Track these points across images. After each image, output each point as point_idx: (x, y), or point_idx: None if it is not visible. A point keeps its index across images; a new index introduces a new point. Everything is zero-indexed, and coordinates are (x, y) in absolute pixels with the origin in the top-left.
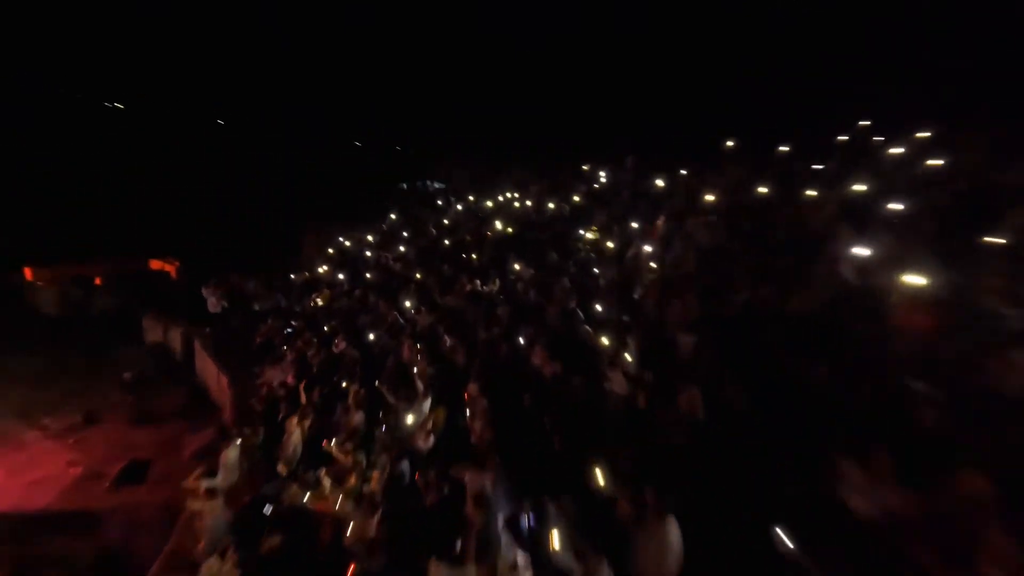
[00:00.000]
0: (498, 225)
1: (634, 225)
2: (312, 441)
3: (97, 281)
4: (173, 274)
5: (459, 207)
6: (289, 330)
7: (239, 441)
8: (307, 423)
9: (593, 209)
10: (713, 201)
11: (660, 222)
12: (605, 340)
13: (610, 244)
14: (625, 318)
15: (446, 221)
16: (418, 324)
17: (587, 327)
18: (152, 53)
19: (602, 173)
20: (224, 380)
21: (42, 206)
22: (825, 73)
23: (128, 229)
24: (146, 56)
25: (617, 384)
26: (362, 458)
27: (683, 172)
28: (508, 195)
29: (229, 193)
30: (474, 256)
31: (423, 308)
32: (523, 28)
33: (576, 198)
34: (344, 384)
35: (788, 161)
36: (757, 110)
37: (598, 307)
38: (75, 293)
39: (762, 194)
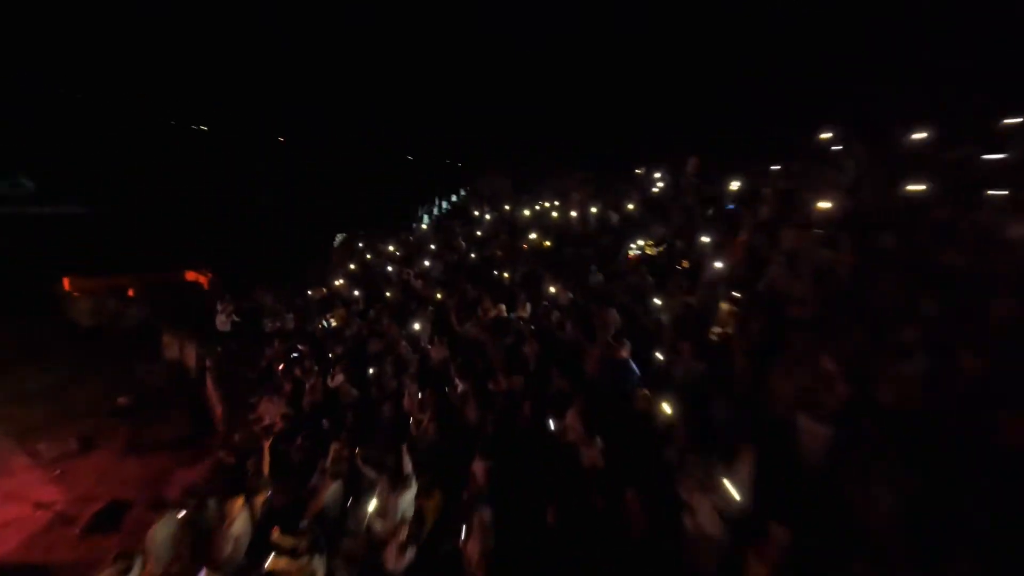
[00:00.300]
0: (533, 237)
1: (705, 239)
2: (263, 529)
3: (130, 293)
4: (205, 285)
5: (491, 217)
6: (295, 355)
7: (180, 513)
8: (259, 501)
9: (648, 219)
10: (828, 207)
11: (744, 236)
12: (668, 409)
13: (673, 264)
14: (701, 369)
15: (479, 233)
16: (431, 357)
17: (645, 392)
18: (194, 64)
19: (658, 176)
20: (220, 411)
21: (85, 216)
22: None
23: (168, 239)
24: (188, 68)
25: (707, 521)
26: (319, 566)
27: (773, 169)
28: (547, 203)
29: (274, 203)
30: (505, 275)
31: (437, 337)
32: (567, 23)
33: (630, 206)
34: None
35: (933, 151)
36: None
37: (659, 355)
38: (109, 304)
39: (908, 196)
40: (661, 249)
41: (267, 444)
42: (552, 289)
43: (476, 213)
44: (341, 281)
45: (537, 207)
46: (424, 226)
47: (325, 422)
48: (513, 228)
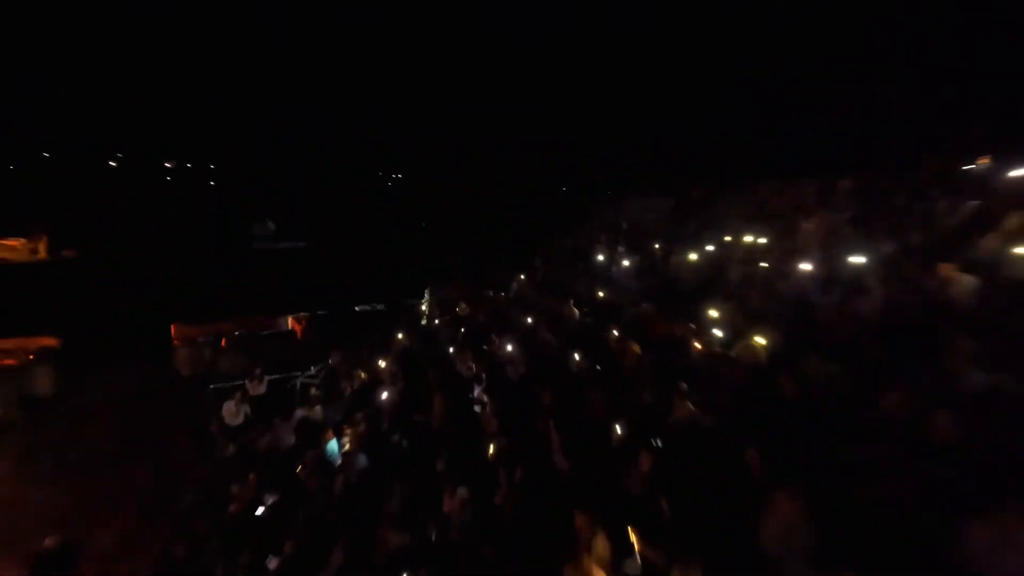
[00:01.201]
0: (713, 321)
1: None
2: None
3: (223, 342)
4: (298, 333)
5: (628, 263)
6: (268, 502)
7: None
8: None
9: None
10: None
11: None
12: None
13: None
14: None
15: (601, 294)
16: None
17: None
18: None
19: None
20: None
21: (201, 261)
22: None
23: (272, 284)
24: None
25: None
26: None
27: None
28: (740, 238)
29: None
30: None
31: None
32: None
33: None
34: None
35: None
36: None
37: None
38: (205, 353)
39: None
40: None
41: None
42: (787, 508)
43: (601, 257)
44: (384, 364)
45: (714, 247)
46: (523, 276)
47: None
48: (669, 289)
